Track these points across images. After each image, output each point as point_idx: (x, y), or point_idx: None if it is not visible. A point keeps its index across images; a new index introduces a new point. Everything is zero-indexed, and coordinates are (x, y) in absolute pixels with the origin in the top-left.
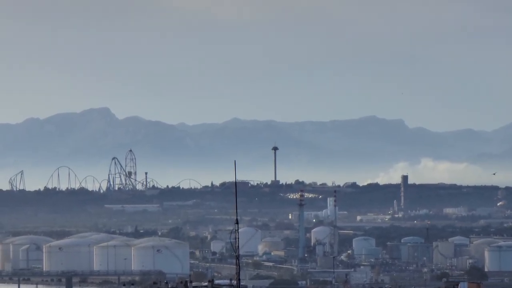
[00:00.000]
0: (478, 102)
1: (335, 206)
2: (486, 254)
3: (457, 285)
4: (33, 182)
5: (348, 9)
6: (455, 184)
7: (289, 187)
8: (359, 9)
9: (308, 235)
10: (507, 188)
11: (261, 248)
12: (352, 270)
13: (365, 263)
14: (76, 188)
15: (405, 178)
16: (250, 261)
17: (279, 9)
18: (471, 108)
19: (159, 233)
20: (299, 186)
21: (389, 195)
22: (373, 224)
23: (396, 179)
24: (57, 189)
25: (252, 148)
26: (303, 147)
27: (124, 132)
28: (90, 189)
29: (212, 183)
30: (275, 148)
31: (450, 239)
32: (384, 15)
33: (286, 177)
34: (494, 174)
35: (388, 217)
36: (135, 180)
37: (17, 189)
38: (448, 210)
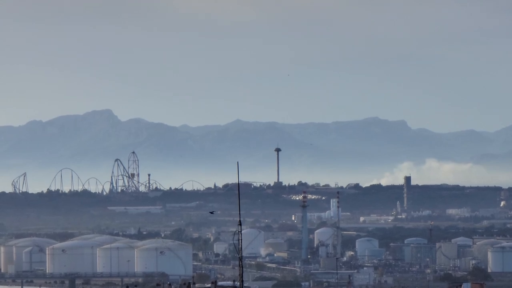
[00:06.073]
0: (480, 103)
1: (338, 207)
2: (489, 255)
3: (461, 286)
4: (36, 184)
5: (350, 10)
6: (458, 185)
7: (292, 189)
8: (361, 10)
9: (311, 236)
10: (510, 188)
11: (264, 250)
12: (355, 271)
13: (368, 264)
14: (79, 190)
15: (408, 179)
16: (253, 262)
17: (281, 11)
18: (473, 109)
19: (162, 235)
20: (302, 187)
21: (392, 196)
22: (376, 225)
23: (401, 179)
24: (60, 191)
25: (255, 150)
26: (306, 149)
27: (126, 134)
28: (93, 191)
29: (215, 184)
30: (278, 150)
31: (453, 240)
32: (386, 16)
33: (289, 178)
34: None
35: (391, 218)
36: (138, 182)
37: (20, 191)
38: (451, 211)
